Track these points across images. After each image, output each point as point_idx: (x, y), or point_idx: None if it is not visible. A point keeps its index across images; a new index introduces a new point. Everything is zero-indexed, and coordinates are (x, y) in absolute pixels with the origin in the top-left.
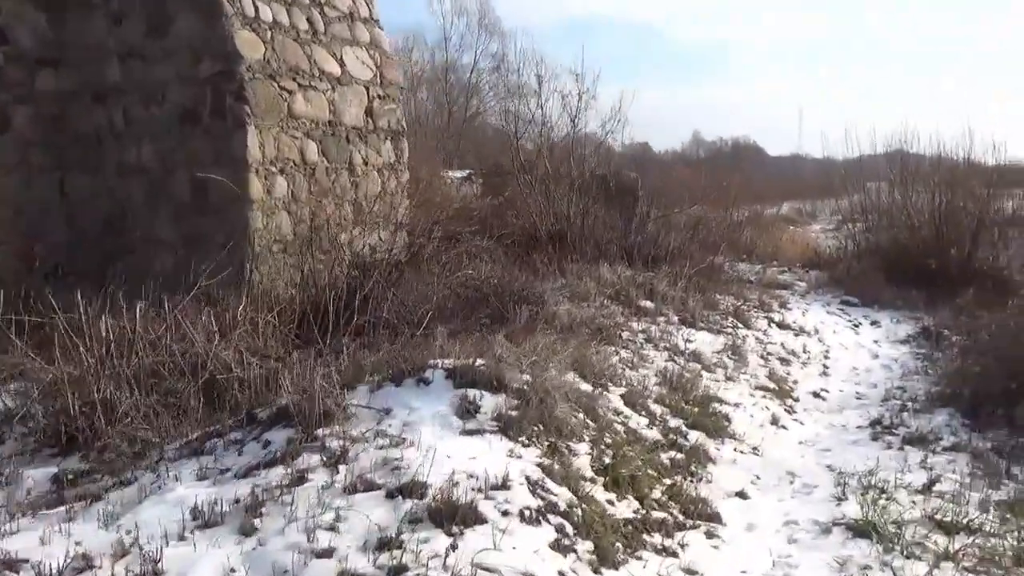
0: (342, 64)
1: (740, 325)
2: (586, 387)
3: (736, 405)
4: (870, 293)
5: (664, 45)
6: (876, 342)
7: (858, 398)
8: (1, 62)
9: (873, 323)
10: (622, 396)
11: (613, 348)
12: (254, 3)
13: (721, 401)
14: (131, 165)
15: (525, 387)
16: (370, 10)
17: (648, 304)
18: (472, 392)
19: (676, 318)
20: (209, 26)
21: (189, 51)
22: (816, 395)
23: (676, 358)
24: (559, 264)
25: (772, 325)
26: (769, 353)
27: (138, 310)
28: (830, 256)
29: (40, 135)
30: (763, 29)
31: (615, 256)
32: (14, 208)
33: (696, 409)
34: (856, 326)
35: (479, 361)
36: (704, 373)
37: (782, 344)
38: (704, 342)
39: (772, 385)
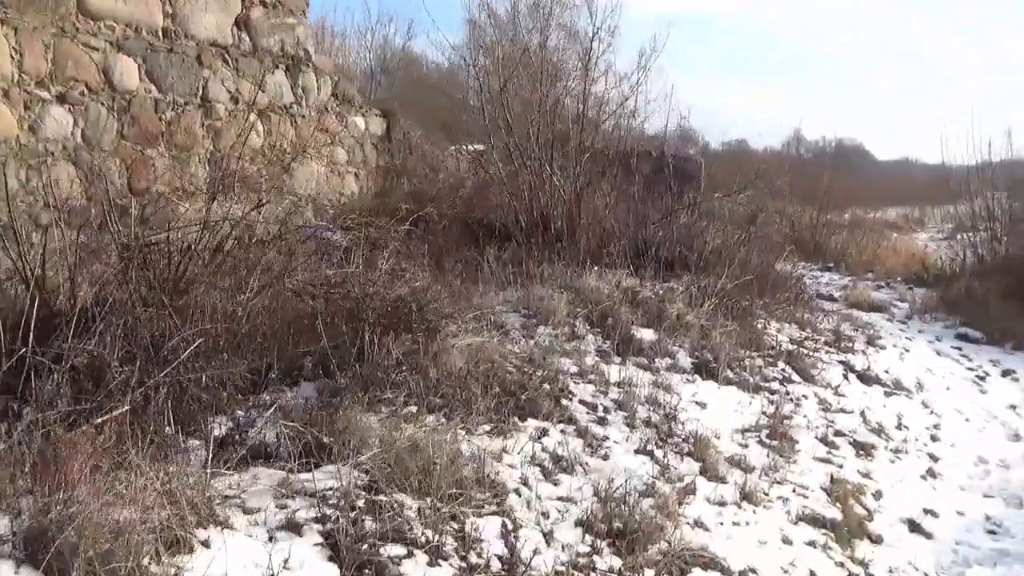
0: None
1: (795, 377)
2: None
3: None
4: (999, 325)
5: (769, 45)
6: (1015, 408)
7: (992, 533)
8: None
9: (1007, 374)
10: None
11: (537, 425)
12: None
13: (710, 565)
14: None
15: None
16: None
17: (647, 335)
18: None
19: (688, 362)
20: None
21: None
22: (914, 527)
23: (656, 448)
24: (526, 266)
25: (850, 375)
26: (837, 432)
27: None
28: (941, 270)
29: None
30: (872, 34)
31: (621, 257)
32: None
33: None
34: (981, 379)
35: None
36: (700, 484)
37: (863, 413)
38: (722, 411)
39: (830, 512)
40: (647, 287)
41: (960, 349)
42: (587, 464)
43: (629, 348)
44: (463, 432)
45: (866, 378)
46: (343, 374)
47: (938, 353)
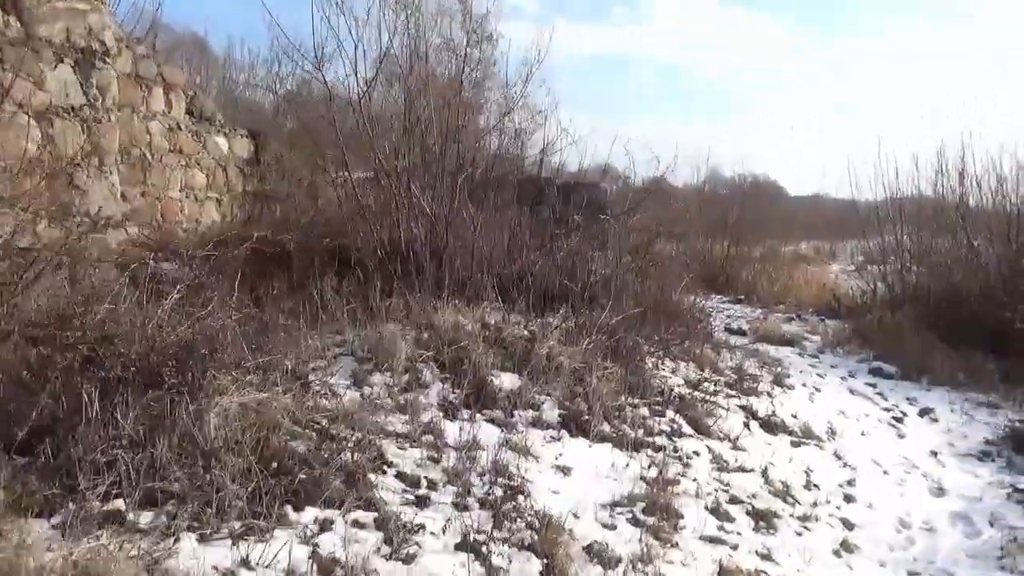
0: None
1: (686, 428)
2: None
3: None
4: (914, 359)
5: (692, 85)
6: (935, 455)
7: None
8: None
9: (924, 413)
10: None
11: (317, 516)
12: None
13: None
14: None
15: None
16: None
17: (508, 382)
18: None
19: (556, 414)
20: None
21: None
22: None
23: (487, 541)
24: (371, 300)
25: (752, 423)
26: (733, 499)
27: None
28: (853, 301)
29: None
30: (787, 75)
31: (492, 289)
32: None
33: None
34: (898, 420)
35: None
36: None
37: (765, 470)
38: (590, 478)
39: None
40: (518, 323)
41: (875, 386)
42: (376, 574)
43: (483, 398)
44: (191, 536)
45: (771, 426)
46: (31, 455)
47: (851, 392)
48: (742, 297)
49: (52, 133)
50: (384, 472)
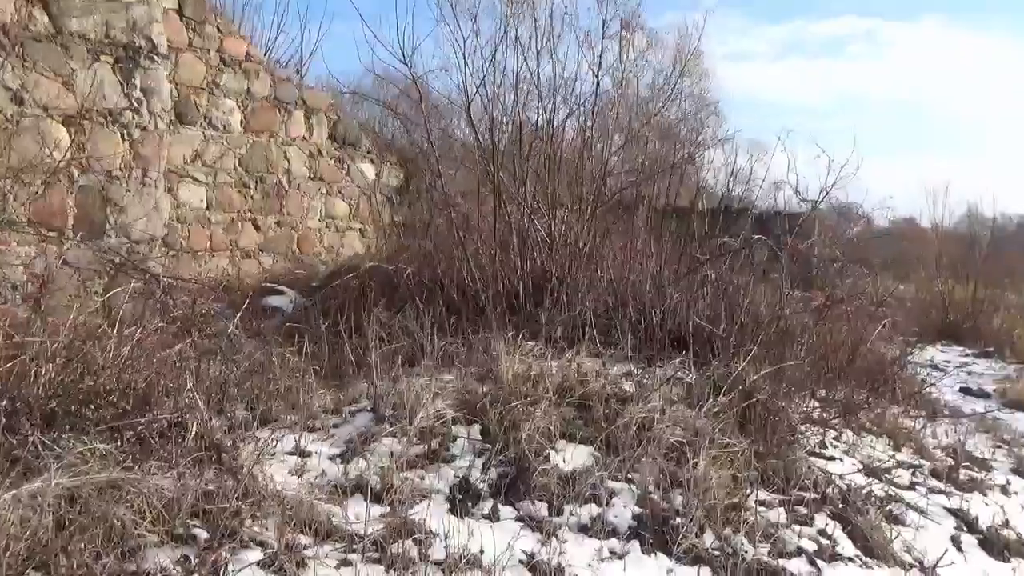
0: None
1: (844, 546)
2: None
3: None
4: None
5: (934, 118)
6: None
7: None
8: None
9: None
10: None
11: None
12: None
13: None
14: None
15: None
16: None
17: (571, 459)
18: None
19: (628, 514)
20: None
21: None
22: None
23: None
24: (418, 339)
25: (963, 539)
26: None
27: None
28: None
29: None
30: None
31: (593, 328)
32: None
33: None
34: None
35: None
36: None
37: None
38: None
39: None
40: (620, 376)
41: None
42: None
43: (526, 483)
44: None
45: (996, 544)
46: None
47: None
48: (991, 349)
49: (83, 140)
50: None
